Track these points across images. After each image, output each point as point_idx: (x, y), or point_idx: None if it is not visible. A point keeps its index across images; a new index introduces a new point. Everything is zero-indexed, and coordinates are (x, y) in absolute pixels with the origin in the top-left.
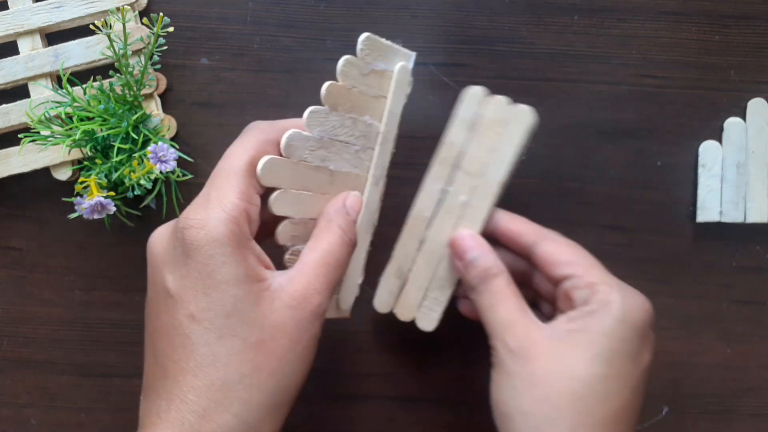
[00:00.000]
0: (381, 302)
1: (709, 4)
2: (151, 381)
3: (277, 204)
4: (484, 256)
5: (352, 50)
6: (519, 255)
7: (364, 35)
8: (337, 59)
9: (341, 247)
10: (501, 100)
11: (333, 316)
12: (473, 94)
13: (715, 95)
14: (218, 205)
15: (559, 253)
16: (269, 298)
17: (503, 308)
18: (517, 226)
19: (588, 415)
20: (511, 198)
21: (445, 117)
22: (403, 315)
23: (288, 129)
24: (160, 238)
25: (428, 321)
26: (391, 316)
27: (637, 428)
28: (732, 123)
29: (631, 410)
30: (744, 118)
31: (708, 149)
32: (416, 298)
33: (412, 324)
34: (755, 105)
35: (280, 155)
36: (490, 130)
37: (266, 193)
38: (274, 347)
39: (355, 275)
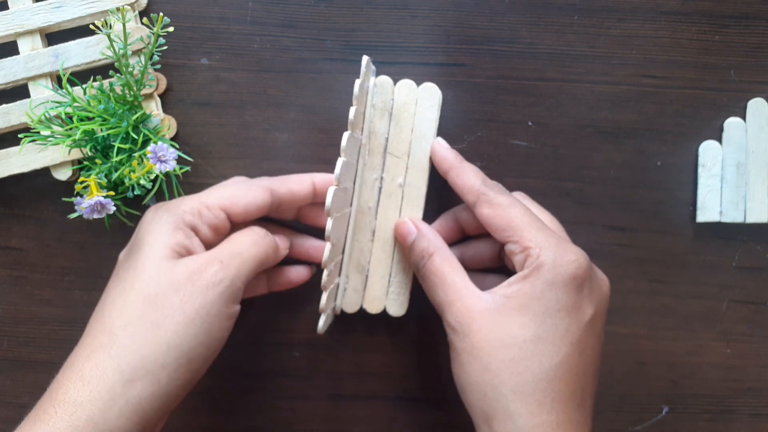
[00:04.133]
0: (349, 303)
1: (709, 4)
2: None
3: (333, 231)
4: (419, 238)
5: (352, 50)
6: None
7: (366, 58)
8: (337, 59)
9: (253, 246)
10: (408, 83)
11: (331, 321)
12: (383, 84)
13: (715, 95)
14: (179, 202)
15: (494, 217)
16: (176, 263)
17: (441, 289)
18: (461, 182)
19: (526, 375)
20: None
21: (444, 116)
22: (373, 308)
23: (285, 179)
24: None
25: (398, 306)
26: (390, 317)
27: (637, 428)
28: (732, 123)
29: (575, 364)
30: (744, 118)
31: (708, 149)
32: (382, 287)
33: (411, 324)
34: (755, 105)
35: (267, 197)
36: (405, 112)
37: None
38: (164, 303)
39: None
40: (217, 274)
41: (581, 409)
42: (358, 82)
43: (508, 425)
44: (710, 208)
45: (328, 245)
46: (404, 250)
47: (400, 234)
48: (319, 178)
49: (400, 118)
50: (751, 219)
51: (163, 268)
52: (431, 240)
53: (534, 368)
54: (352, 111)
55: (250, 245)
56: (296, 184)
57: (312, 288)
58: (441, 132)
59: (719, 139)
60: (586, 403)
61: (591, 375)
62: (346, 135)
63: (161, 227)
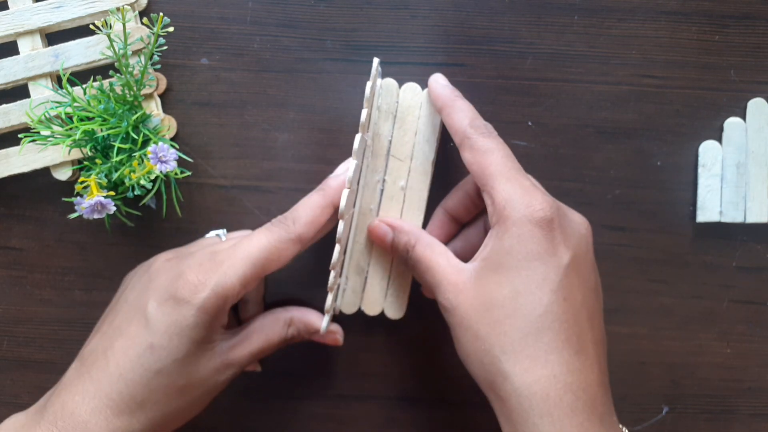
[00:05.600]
0: (347, 303)
1: (709, 4)
2: (83, 368)
3: (344, 233)
4: (397, 234)
5: (352, 50)
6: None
7: (377, 60)
8: (337, 59)
9: (278, 341)
10: (413, 86)
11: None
12: (388, 86)
13: (715, 95)
14: (221, 281)
15: (472, 163)
16: (207, 357)
17: (428, 275)
18: (450, 122)
19: (512, 333)
20: None
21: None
22: (371, 310)
23: (311, 220)
24: (164, 268)
25: (396, 309)
26: (388, 318)
27: (637, 428)
28: (732, 123)
29: (562, 311)
30: (744, 118)
31: (708, 149)
32: (381, 290)
33: (411, 324)
34: (755, 105)
35: (299, 249)
36: (409, 115)
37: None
38: (192, 393)
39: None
40: (234, 375)
41: (581, 356)
42: (369, 84)
43: (507, 386)
44: (710, 208)
45: (337, 247)
46: (386, 251)
47: (377, 237)
48: (335, 196)
49: (404, 121)
50: (751, 219)
51: (195, 365)
52: (409, 232)
53: (518, 324)
54: (364, 113)
55: (277, 341)
56: (320, 219)
57: (310, 288)
58: (442, 132)
59: (719, 139)
60: (586, 349)
61: (585, 320)
62: (358, 137)
63: (200, 321)
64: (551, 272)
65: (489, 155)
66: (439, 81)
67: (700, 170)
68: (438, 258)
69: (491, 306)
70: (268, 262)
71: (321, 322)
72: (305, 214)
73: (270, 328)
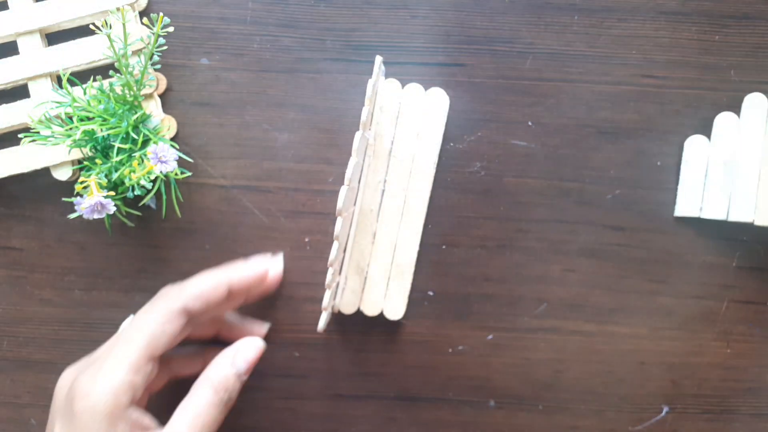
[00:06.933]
0: (347, 303)
1: (709, 4)
2: None
3: (342, 231)
4: None
5: (352, 50)
6: None
7: (380, 58)
8: (337, 59)
9: (212, 408)
10: (416, 87)
11: (328, 320)
12: (391, 87)
13: (715, 95)
14: (106, 378)
15: None
16: None
17: None
18: None
19: None
20: (511, 197)
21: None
22: (371, 310)
23: (198, 293)
24: (62, 386)
25: (395, 309)
26: (387, 317)
27: (637, 428)
28: (723, 117)
29: None
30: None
31: (692, 144)
32: (380, 290)
33: (410, 324)
34: (752, 99)
35: (185, 321)
36: (411, 116)
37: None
38: None
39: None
40: None
41: None
42: (371, 82)
43: None
44: (691, 203)
45: (335, 244)
46: None
47: None
48: (235, 278)
49: (407, 122)
50: (736, 217)
51: None
52: None
53: None
54: (364, 111)
55: (209, 409)
56: (211, 294)
57: (310, 288)
58: (443, 133)
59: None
60: None
61: None
62: (358, 135)
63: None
64: None
65: None
66: None
67: (683, 166)
68: None
69: None
70: (155, 341)
71: (248, 348)
72: (196, 286)
73: (204, 412)
